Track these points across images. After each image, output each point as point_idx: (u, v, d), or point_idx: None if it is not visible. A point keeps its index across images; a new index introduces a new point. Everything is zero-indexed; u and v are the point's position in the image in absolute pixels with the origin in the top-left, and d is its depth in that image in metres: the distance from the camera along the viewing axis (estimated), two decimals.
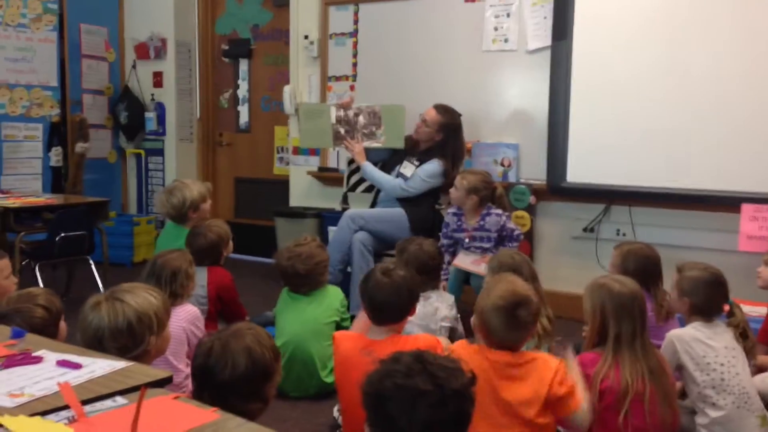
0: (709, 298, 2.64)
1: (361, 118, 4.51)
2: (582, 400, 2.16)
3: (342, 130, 4.51)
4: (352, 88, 5.20)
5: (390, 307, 2.50)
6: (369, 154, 4.57)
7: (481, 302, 2.21)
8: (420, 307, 2.99)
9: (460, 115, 4.36)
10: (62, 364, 1.34)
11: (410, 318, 3.02)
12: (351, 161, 4.82)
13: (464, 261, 3.84)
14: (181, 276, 2.84)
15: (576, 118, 4.26)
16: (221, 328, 2.02)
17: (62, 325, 2.36)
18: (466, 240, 3.88)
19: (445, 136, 4.30)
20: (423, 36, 4.86)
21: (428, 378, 1.50)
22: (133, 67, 6.35)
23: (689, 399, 2.62)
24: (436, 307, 3.19)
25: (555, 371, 2.13)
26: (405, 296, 2.51)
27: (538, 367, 2.15)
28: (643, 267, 2.98)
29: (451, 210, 3.99)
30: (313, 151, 5.39)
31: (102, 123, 6.29)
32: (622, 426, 2.18)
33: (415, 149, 4.42)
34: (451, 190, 3.93)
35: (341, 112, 4.53)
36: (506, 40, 4.59)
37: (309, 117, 4.60)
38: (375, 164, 4.52)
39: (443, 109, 4.32)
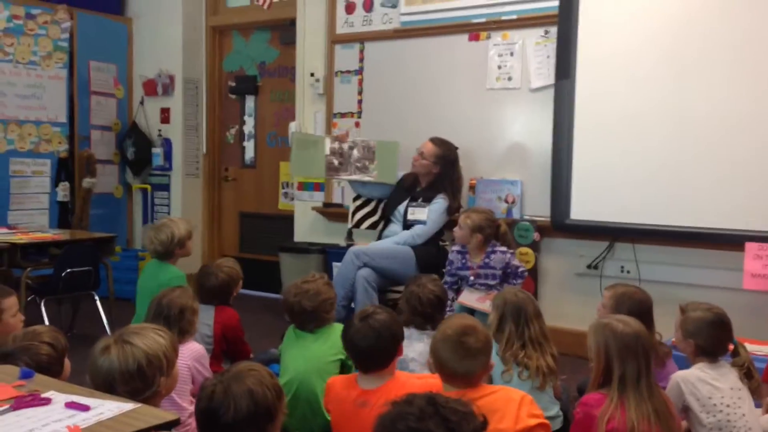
0: (714, 339, 2.64)
1: (355, 152, 4.59)
2: None
3: (335, 162, 4.58)
4: (357, 124, 5.26)
5: (374, 354, 2.45)
6: (369, 191, 4.64)
7: (432, 341, 2.25)
8: (423, 345, 2.99)
9: (456, 148, 4.41)
10: (71, 406, 1.34)
11: (412, 356, 3.03)
12: (356, 197, 4.87)
13: (469, 298, 3.84)
14: (188, 313, 2.86)
15: (579, 155, 4.29)
16: (224, 370, 2.01)
17: (66, 363, 2.37)
18: (471, 278, 3.89)
19: (443, 169, 4.36)
20: (428, 74, 4.93)
21: (441, 422, 1.49)
22: (141, 103, 6.43)
23: None
24: None
25: (519, 403, 2.13)
26: (388, 340, 2.45)
27: (498, 400, 2.14)
28: (638, 311, 2.94)
29: (456, 248, 4.01)
30: (318, 187, 5.43)
31: (109, 158, 6.35)
32: None
33: (415, 187, 4.46)
34: (455, 229, 3.95)
35: (336, 144, 4.61)
36: (510, 79, 4.65)
37: (301, 146, 4.68)
38: (377, 200, 4.60)
39: (440, 141, 4.40)
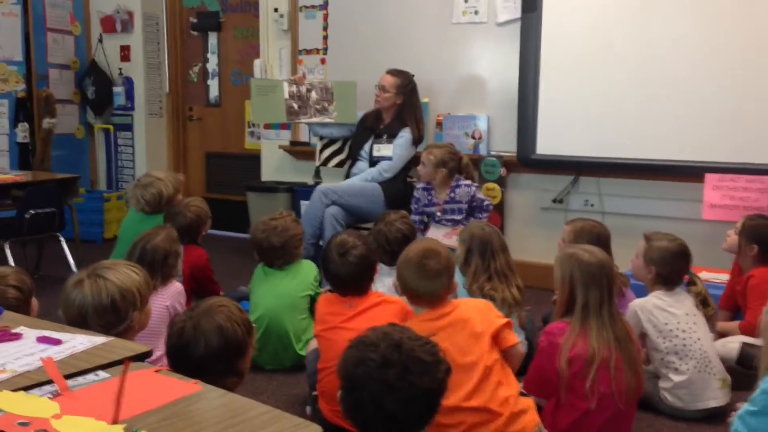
0: (675, 269, 2.73)
1: (313, 94, 4.58)
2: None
3: (295, 106, 4.58)
4: (323, 61, 5.18)
5: (354, 283, 2.60)
6: (330, 131, 4.64)
7: (397, 264, 2.36)
8: (392, 280, 3.04)
9: (412, 75, 4.41)
10: (42, 340, 1.35)
11: (382, 290, 3.08)
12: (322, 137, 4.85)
13: (436, 235, 3.88)
14: (172, 258, 2.86)
15: (545, 90, 4.30)
16: (193, 305, 2.03)
17: (34, 302, 2.37)
18: (438, 213, 3.93)
19: (405, 98, 4.37)
20: (394, 8, 4.86)
21: (402, 373, 1.52)
22: (100, 40, 6.25)
23: (653, 365, 2.71)
24: None
25: (484, 308, 2.29)
26: (366, 271, 2.62)
27: (467, 310, 2.27)
28: (596, 244, 3.00)
29: (420, 185, 4.03)
30: (284, 126, 5.38)
31: (69, 98, 6.20)
32: (589, 392, 2.26)
33: (378, 124, 4.45)
34: (419, 167, 3.97)
35: (294, 88, 4.59)
36: (476, 12, 4.61)
37: (260, 92, 4.67)
38: (340, 141, 4.69)
39: (397, 72, 4.40)
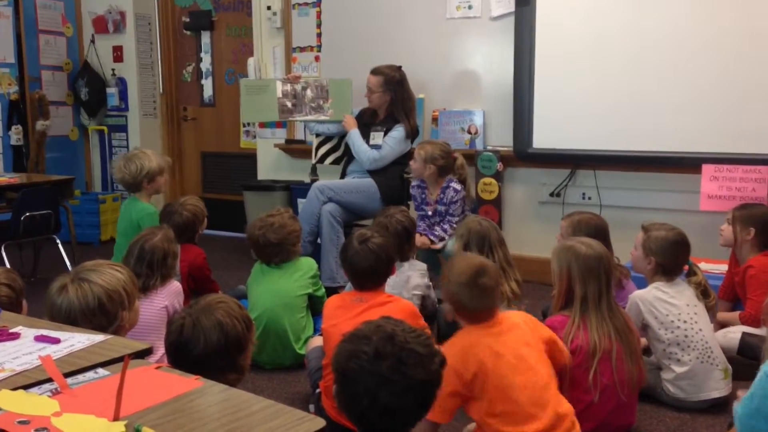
0: (675, 258, 2.72)
1: (308, 92, 4.56)
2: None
3: (289, 104, 4.55)
4: (317, 58, 5.17)
5: (371, 274, 2.58)
6: (327, 127, 4.63)
7: (446, 287, 2.24)
8: (392, 277, 3.03)
9: (399, 67, 4.37)
10: (41, 339, 1.33)
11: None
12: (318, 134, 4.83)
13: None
14: (170, 258, 2.84)
15: (541, 84, 4.29)
16: (192, 302, 2.01)
17: (24, 302, 2.35)
18: (429, 213, 3.92)
19: (394, 92, 4.31)
20: (387, 3, 4.84)
21: (395, 365, 1.50)
22: (92, 41, 6.22)
23: (654, 356, 2.71)
24: (408, 275, 3.22)
25: (529, 318, 2.25)
26: (384, 261, 2.58)
27: (514, 316, 2.24)
28: (594, 236, 3.00)
29: (414, 183, 4.01)
30: (280, 124, 5.36)
31: (62, 100, 6.17)
32: (591, 384, 2.25)
33: (374, 120, 4.43)
34: (411, 162, 3.95)
35: (288, 86, 4.56)
36: (470, 7, 4.60)
37: (249, 92, 4.64)
38: (339, 136, 4.62)
39: (379, 70, 4.34)
